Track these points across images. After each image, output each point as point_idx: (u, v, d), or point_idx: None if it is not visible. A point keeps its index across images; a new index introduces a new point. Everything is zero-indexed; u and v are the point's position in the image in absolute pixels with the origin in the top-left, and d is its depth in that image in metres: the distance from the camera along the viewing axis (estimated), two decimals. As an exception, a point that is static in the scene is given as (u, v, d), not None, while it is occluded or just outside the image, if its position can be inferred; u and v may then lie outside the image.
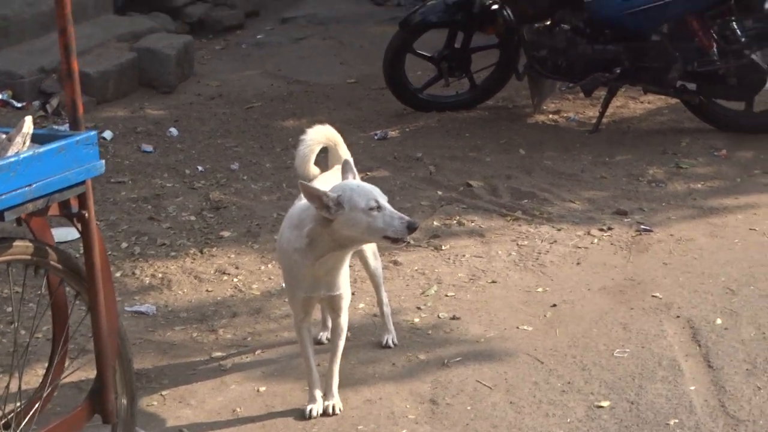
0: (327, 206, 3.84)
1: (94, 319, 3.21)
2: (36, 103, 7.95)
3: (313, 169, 4.45)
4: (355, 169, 4.12)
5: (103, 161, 3.10)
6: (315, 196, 3.85)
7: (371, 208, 3.84)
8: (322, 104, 8.18)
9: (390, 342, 4.58)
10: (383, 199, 3.88)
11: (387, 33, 8.40)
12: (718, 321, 4.77)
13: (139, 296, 5.18)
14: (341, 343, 4.19)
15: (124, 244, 5.72)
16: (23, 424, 3.16)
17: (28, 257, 3.10)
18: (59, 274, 3.24)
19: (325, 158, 4.66)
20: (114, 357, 3.31)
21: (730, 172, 6.65)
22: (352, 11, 10.96)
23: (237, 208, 6.17)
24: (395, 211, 3.88)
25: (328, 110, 8.01)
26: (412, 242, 3.86)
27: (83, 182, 3.06)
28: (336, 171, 4.41)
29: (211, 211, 6.17)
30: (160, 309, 5.06)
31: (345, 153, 4.51)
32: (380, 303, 4.61)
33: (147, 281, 5.33)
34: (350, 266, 4.25)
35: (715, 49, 6.94)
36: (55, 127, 7.54)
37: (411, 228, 3.85)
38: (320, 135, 4.44)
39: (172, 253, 5.61)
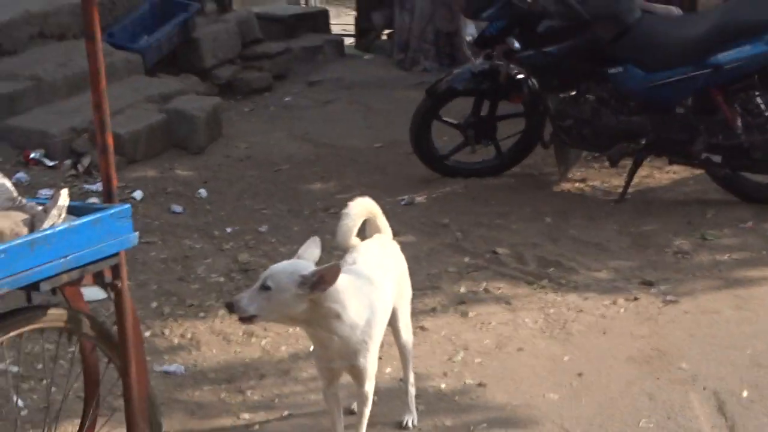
0: None
1: (125, 386, 3.26)
2: (67, 162, 8.07)
3: (354, 240, 4.48)
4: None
5: (137, 233, 3.16)
6: None
7: None
8: (349, 168, 8.26)
9: (410, 424, 4.54)
10: (258, 281, 3.93)
11: (413, 98, 8.50)
12: (745, 393, 4.77)
13: (168, 356, 5.22)
14: (367, 411, 4.19)
15: (154, 304, 5.78)
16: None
17: (62, 324, 3.15)
18: (92, 340, 3.29)
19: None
20: (145, 423, 3.35)
21: (756, 243, 6.66)
22: (378, 76, 11.10)
23: (264, 270, 6.20)
24: (246, 290, 3.99)
25: (354, 174, 8.09)
26: (244, 323, 4.03)
27: (117, 253, 3.11)
28: (376, 239, 4.49)
29: (240, 272, 6.22)
30: (188, 369, 5.09)
31: (383, 223, 4.55)
32: (405, 380, 4.58)
33: (176, 341, 5.37)
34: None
35: (739, 123, 6.99)
36: (86, 186, 7.65)
37: (226, 306, 3.96)
38: (362, 209, 4.45)
39: (201, 314, 5.66)
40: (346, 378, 4.32)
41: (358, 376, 4.12)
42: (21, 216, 3.02)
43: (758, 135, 6.99)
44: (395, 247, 4.57)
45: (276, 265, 3.99)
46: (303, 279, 3.88)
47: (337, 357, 4.05)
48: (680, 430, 4.47)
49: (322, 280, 3.87)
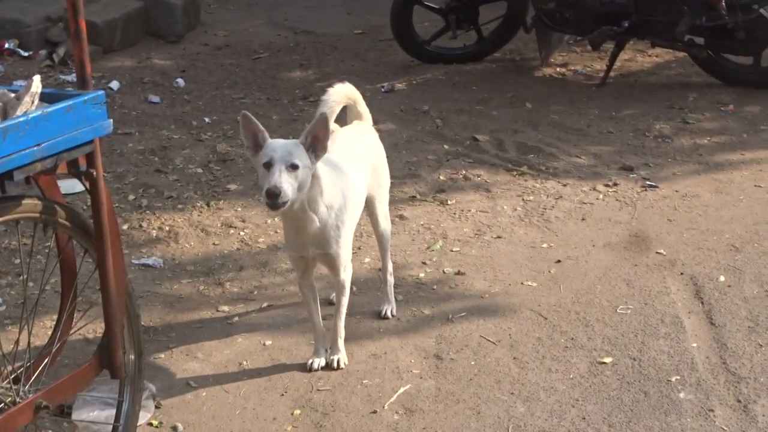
0: (253, 144, 3.84)
1: (103, 278, 3.23)
2: (42, 52, 7.96)
3: (333, 126, 4.42)
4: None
5: (111, 120, 3.11)
6: (251, 130, 3.85)
7: (264, 163, 3.79)
8: (329, 55, 8.17)
9: (389, 313, 4.56)
10: (279, 161, 3.76)
11: (395, -17, 8.35)
12: (722, 278, 4.80)
13: (146, 249, 5.21)
14: (344, 300, 4.21)
15: (131, 197, 5.75)
16: (33, 378, 3.20)
17: (37, 215, 3.12)
18: (67, 231, 3.26)
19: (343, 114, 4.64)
20: (122, 314, 3.34)
21: (737, 127, 6.64)
22: (359, -40, 10.88)
23: (244, 161, 6.18)
24: (276, 174, 3.75)
25: (335, 61, 8.00)
26: (276, 211, 3.81)
27: (91, 141, 3.07)
28: (354, 126, 4.45)
29: (218, 163, 6.18)
30: (167, 262, 5.09)
31: (364, 110, 4.50)
32: (384, 270, 4.58)
33: (154, 234, 5.36)
34: (358, 223, 4.28)
35: (723, 4, 6.91)
36: (62, 76, 7.56)
37: (267, 194, 3.74)
38: (341, 95, 4.38)
39: (179, 206, 5.64)
40: (325, 270, 4.33)
41: (332, 264, 4.11)
42: (-8, 104, 2.97)
43: (742, 16, 6.92)
44: (373, 135, 4.52)
45: (277, 144, 3.82)
46: (304, 146, 3.82)
47: (311, 244, 4.03)
48: (657, 316, 4.50)
49: (315, 138, 3.83)
